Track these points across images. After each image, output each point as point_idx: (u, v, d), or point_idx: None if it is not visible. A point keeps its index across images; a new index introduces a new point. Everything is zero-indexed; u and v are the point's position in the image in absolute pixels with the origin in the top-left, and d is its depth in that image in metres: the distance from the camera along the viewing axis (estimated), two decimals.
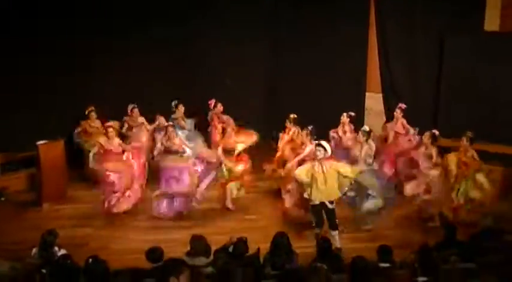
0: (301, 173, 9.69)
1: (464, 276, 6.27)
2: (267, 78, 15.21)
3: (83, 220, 10.89)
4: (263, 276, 6.91)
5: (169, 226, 10.66)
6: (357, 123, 12.94)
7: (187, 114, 13.18)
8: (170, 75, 14.56)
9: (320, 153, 9.54)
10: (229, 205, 11.40)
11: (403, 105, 12.71)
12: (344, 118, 12.46)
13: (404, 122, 12.57)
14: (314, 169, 9.54)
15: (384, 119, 13.54)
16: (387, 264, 7.03)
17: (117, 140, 11.19)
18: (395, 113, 12.75)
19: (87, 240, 9.95)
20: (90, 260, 6.44)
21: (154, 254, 7.13)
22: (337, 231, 9.55)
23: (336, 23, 14.53)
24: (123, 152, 11.13)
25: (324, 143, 9.78)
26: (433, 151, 10.60)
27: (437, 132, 10.78)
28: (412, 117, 12.99)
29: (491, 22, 13.53)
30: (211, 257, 7.48)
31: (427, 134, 10.81)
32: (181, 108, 12.98)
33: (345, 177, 9.60)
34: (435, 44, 14.25)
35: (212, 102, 12.98)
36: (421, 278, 6.09)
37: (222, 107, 13.05)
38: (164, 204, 10.98)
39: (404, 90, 14.56)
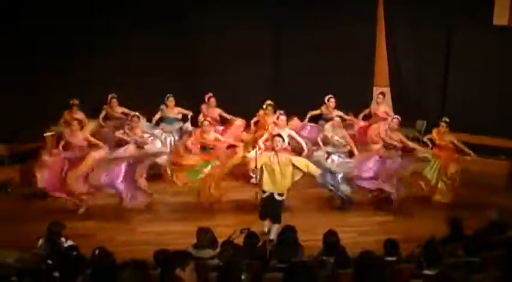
0: (255, 162, 9.61)
1: (469, 270, 6.26)
2: (271, 73, 15.12)
3: (89, 212, 10.90)
4: (269, 268, 6.92)
5: (175, 218, 10.71)
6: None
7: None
8: (170, 68, 14.44)
9: (279, 144, 9.65)
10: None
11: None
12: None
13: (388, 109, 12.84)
14: (271, 160, 9.62)
15: (392, 112, 13.51)
16: (393, 258, 7.03)
17: (82, 134, 11.11)
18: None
19: (93, 232, 9.97)
20: (97, 251, 6.45)
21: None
22: (278, 225, 9.54)
23: (343, 16, 14.43)
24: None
25: (282, 133, 10.01)
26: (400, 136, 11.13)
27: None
28: (420, 110, 13.00)
29: (500, 17, 13.49)
30: (218, 249, 7.49)
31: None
32: (172, 102, 12.81)
33: (298, 169, 9.73)
34: (443, 37, 14.23)
35: (207, 96, 12.91)
36: (427, 272, 6.07)
37: (213, 102, 12.83)
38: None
39: (412, 84, 14.53)
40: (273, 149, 9.79)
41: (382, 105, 13.04)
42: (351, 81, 14.45)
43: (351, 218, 10.77)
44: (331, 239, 7.50)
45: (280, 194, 9.76)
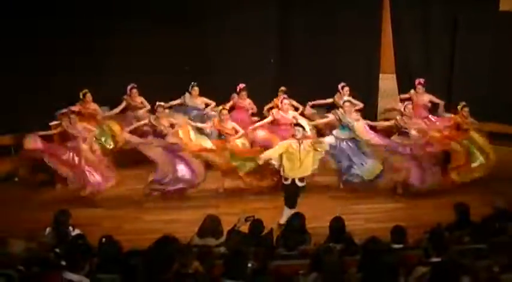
0: (275, 152, 9.93)
1: (476, 257, 6.25)
2: (277, 58, 15.03)
3: (96, 200, 10.91)
4: (275, 256, 6.92)
5: (182, 206, 10.71)
6: (370, 105, 12.88)
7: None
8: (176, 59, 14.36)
9: (298, 133, 9.74)
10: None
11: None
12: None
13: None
14: (292, 147, 9.72)
15: (398, 100, 13.46)
16: (400, 245, 7.02)
17: (81, 125, 11.24)
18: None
19: (100, 221, 9.99)
20: (104, 239, 6.46)
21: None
22: (290, 210, 9.58)
23: (348, 2, 14.37)
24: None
25: (303, 122, 10.14)
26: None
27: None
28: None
29: (507, 2, 13.41)
30: (223, 237, 7.50)
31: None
32: (196, 91, 12.84)
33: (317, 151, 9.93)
34: (450, 23, 14.16)
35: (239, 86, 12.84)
36: (433, 259, 6.06)
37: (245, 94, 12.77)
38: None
39: (418, 70, 14.45)
40: (293, 136, 9.87)
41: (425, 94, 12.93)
42: (357, 67, 14.39)
43: (359, 205, 10.76)
44: (336, 225, 7.51)
45: (301, 180, 9.83)
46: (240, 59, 14.09)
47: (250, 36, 14.18)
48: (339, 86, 12.74)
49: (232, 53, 14.21)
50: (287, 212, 9.58)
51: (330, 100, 12.87)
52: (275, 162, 10.08)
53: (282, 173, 9.97)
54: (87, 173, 10.84)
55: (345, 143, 11.16)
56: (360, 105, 12.55)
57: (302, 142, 9.77)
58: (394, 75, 14.69)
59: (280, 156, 9.84)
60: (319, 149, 10.02)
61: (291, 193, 9.90)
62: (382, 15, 14.62)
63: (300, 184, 9.90)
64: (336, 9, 14.40)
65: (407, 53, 14.63)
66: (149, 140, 11.11)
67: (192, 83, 12.82)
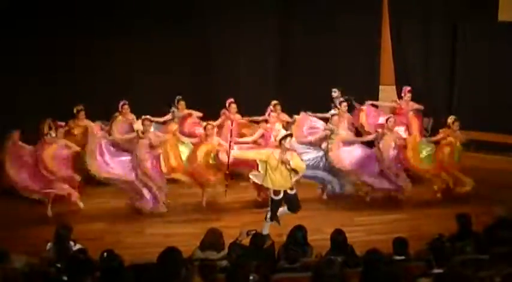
0: (252, 155, 10.04)
1: (478, 267, 6.23)
2: (276, 70, 15.07)
3: (97, 214, 10.92)
4: (277, 269, 6.91)
5: (183, 220, 10.70)
6: None
7: None
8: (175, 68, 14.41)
9: (286, 143, 9.54)
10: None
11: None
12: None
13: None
14: (275, 157, 9.49)
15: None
16: (402, 257, 7.01)
17: (62, 141, 11.15)
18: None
19: (101, 235, 9.98)
20: (105, 254, 6.45)
21: None
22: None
23: (348, 13, 14.40)
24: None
25: (275, 128, 10.43)
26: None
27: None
28: (426, 107, 12.96)
29: (505, 13, 13.46)
30: (225, 250, 7.48)
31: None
32: (182, 105, 12.72)
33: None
34: (449, 33, 14.20)
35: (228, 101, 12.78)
36: (435, 270, 6.05)
37: (234, 108, 12.67)
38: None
39: (418, 80, 14.49)
40: (278, 146, 9.66)
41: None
42: (356, 79, 14.43)
43: (360, 217, 10.76)
44: (338, 238, 7.49)
45: (291, 188, 9.74)
46: (240, 60, 14.27)
47: (250, 37, 14.33)
48: (337, 102, 12.70)
49: (232, 54, 14.39)
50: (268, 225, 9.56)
51: (328, 115, 12.79)
52: (256, 179, 9.96)
53: (271, 188, 9.66)
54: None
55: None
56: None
57: (286, 153, 9.51)
58: (394, 87, 14.72)
59: (265, 171, 9.58)
60: (298, 172, 9.81)
61: (279, 206, 9.72)
62: (382, 27, 14.68)
63: (290, 192, 9.73)
64: (336, 23, 14.48)
65: (407, 64, 14.67)
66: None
67: (177, 97, 12.74)
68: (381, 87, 14.86)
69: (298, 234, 7.67)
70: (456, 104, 14.01)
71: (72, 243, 7.69)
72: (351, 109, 12.74)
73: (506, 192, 11.20)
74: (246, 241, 7.72)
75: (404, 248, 7.17)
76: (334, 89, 13.13)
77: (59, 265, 6.67)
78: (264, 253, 7.43)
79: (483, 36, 13.82)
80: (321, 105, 13.13)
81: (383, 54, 14.84)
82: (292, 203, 9.76)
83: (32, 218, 10.76)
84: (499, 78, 13.78)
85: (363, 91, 14.23)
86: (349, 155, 11.40)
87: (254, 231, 7.74)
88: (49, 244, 7.72)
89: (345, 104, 12.48)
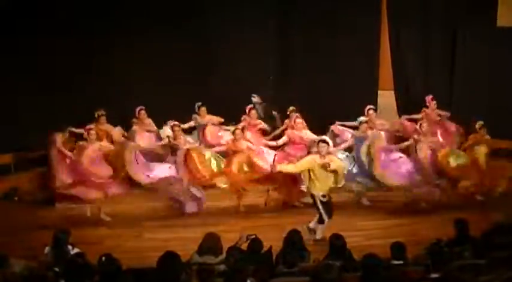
0: (296, 167, 10.06)
1: (476, 272, 6.24)
2: (276, 70, 15.10)
3: (96, 219, 10.90)
4: (275, 274, 6.90)
5: (181, 224, 10.69)
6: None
7: None
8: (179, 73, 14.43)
9: (323, 149, 9.71)
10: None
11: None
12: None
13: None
14: (316, 162, 9.71)
15: (397, 116, 13.50)
16: (400, 262, 7.01)
17: (98, 144, 11.20)
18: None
19: (100, 239, 9.99)
20: (103, 258, 6.45)
21: None
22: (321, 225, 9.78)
23: (347, 18, 14.43)
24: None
25: (326, 138, 10.17)
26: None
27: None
28: None
29: (504, 18, 13.49)
30: (223, 255, 7.48)
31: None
32: (203, 111, 12.78)
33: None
34: (448, 39, 14.22)
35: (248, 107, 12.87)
36: (434, 275, 6.06)
37: (254, 114, 12.87)
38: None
39: (417, 86, 14.51)
40: (317, 152, 9.83)
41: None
42: (355, 84, 14.44)
43: (359, 222, 10.75)
44: (336, 243, 7.48)
45: (324, 195, 9.81)
46: (240, 60, 14.27)
47: (250, 37, 14.36)
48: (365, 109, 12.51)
49: (232, 54, 14.37)
50: (320, 227, 9.80)
51: (356, 123, 12.65)
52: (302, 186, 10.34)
53: (314, 193, 9.84)
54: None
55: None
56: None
57: (325, 157, 9.73)
58: (392, 92, 14.74)
59: (308, 176, 9.81)
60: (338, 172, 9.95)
61: (330, 206, 9.90)
62: (381, 32, 14.69)
63: (322, 199, 9.83)
64: (335, 29, 14.50)
65: (405, 69, 14.69)
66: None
67: (197, 103, 12.79)
68: (379, 92, 14.86)
69: (294, 238, 7.67)
70: (455, 109, 13.99)
71: (70, 247, 7.70)
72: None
73: (504, 198, 11.20)
74: (245, 246, 7.73)
75: (402, 252, 7.16)
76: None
77: (57, 269, 6.67)
78: (262, 257, 7.43)
79: (482, 41, 13.84)
80: (321, 105, 13.15)
81: (382, 59, 14.85)
82: (328, 208, 9.89)
83: (31, 222, 10.75)
84: (498, 83, 13.80)
85: (361, 95, 14.29)
86: (396, 171, 11.35)
87: (254, 236, 7.73)
88: (47, 248, 7.73)
89: (371, 111, 12.38)
